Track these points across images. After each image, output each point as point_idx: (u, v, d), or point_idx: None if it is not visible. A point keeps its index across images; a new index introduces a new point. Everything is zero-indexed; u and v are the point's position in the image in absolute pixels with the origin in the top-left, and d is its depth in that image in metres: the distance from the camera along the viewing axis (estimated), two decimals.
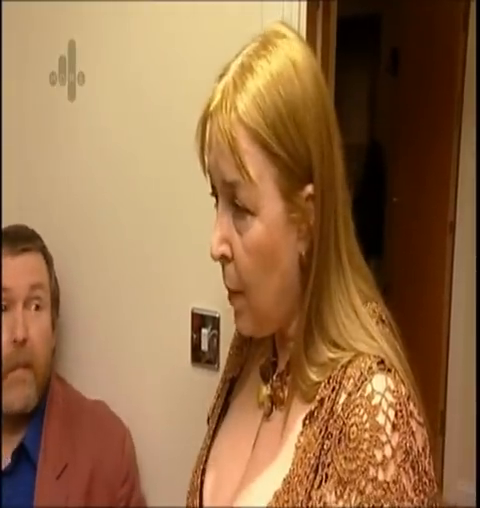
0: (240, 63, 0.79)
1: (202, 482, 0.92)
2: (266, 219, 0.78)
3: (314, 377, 0.79)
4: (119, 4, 1.53)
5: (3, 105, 1.68)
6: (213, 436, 0.96)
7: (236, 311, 0.84)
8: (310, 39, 1.44)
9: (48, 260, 1.58)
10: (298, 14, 1.32)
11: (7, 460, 1.46)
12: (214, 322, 1.45)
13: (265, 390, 0.88)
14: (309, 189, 0.78)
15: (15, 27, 1.69)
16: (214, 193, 0.83)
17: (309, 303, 0.79)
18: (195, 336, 1.48)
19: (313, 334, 0.80)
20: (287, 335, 0.86)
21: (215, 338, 1.46)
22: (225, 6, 1.38)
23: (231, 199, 0.79)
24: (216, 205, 0.83)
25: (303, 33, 1.33)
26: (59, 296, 1.61)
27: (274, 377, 0.88)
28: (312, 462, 0.75)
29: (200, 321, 1.47)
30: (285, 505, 0.75)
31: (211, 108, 0.79)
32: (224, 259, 0.82)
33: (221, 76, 0.80)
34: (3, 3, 1.65)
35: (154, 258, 1.54)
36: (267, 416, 0.87)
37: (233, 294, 0.83)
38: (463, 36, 2.94)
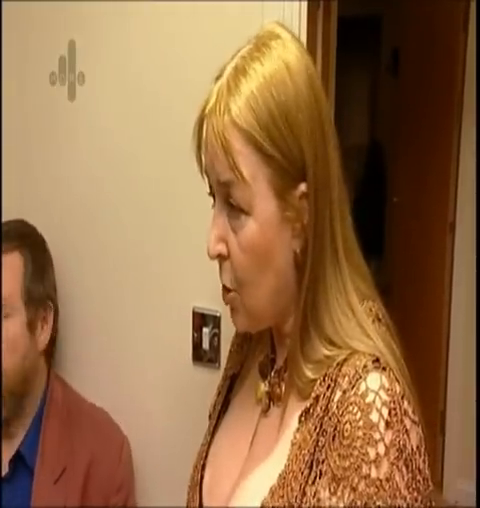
0: (234, 65, 0.79)
1: (202, 477, 0.92)
2: (260, 218, 0.79)
3: (310, 374, 0.79)
4: (119, 4, 1.53)
5: (3, 105, 1.68)
6: (213, 432, 0.96)
7: (232, 307, 0.85)
8: (310, 39, 1.44)
9: (26, 258, 1.49)
10: (299, 14, 1.32)
11: (5, 468, 1.44)
12: (215, 321, 1.45)
13: (263, 386, 0.89)
14: (302, 187, 0.79)
15: (15, 27, 1.69)
16: (211, 193, 0.84)
17: (304, 300, 0.80)
18: (196, 335, 1.48)
19: (309, 331, 0.80)
20: (284, 332, 0.86)
21: (216, 337, 1.46)
22: (225, 6, 1.39)
23: (226, 199, 0.80)
24: (213, 205, 0.83)
25: (303, 33, 1.34)
26: (54, 292, 1.56)
27: (272, 373, 0.88)
28: (307, 458, 0.76)
29: (201, 320, 1.47)
30: (280, 500, 0.76)
31: (206, 110, 0.80)
32: (220, 258, 0.82)
33: (217, 78, 0.81)
34: (3, 3, 1.64)
35: (155, 257, 1.54)
36: (265, 412, 0.87)
37: (229, 291, 0.84)
38: (463, 36, 2.94)
